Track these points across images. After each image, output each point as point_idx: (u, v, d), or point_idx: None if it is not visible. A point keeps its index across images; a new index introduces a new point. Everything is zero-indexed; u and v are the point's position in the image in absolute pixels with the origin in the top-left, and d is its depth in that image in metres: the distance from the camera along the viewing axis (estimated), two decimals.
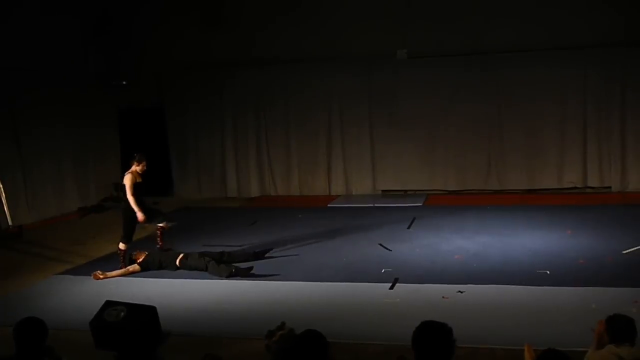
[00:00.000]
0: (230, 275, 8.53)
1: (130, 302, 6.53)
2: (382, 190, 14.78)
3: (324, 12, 14.32)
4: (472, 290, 7.64)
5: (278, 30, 14.52)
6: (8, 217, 12.40)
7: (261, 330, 5.80)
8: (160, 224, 9.78)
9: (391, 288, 7.90)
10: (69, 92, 13.81)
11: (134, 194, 9.04)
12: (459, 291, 7.60)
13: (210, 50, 14.86)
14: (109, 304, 6.40)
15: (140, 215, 9.06)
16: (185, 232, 11.57)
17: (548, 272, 8.21)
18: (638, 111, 13.38)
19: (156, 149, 15.69)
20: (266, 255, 9.51)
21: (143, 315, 6.27)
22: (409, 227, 11.29)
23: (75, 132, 14.21)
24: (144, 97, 15.58)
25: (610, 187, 13.73)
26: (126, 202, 9.12)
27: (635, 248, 9.04)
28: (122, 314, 6.19)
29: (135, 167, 9.25)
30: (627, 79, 13.36)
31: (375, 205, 13.50)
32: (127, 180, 9.07)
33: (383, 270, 8.63)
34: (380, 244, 10.01)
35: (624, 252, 8.94)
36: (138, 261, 9.08)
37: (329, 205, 13.87)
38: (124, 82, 15.16)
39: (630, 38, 12.96)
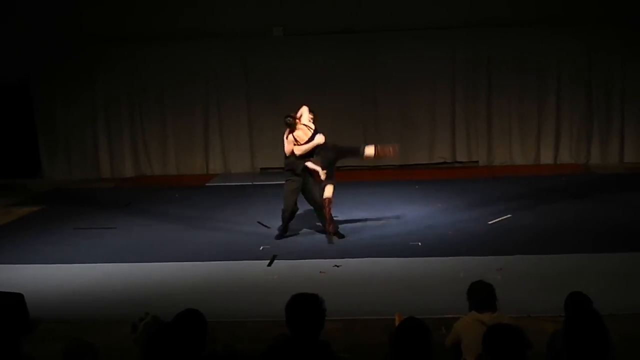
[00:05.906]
0: None
1: None
2: (261, 168, 14.75)
3: None
4: (348, 264, 7.86)
5: (150, 5, 14.02)
6: None
7: (139, 313, 5.67)
8: None
9: (269, 265, 7.98)
10: None
11: None
12: (336, 265, 7.80)
13: (79, 24, 14.12)
14: None
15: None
16: (56, 214, 11.10)
17: (420, 243, 8.57)
18: (503, 90, 13.93)
19: (21, 128, 14.89)
20: None
21: (7, 302, 5.99)
22: None
23: None
24: (6, 74, 14.64)
25: (477, 162, 14.40)
26: None
27: (500, 218, 9.58)
28: None
29: None
30: (492, 59, 13.87)
31: (254, 183, 13.48)
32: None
33: (261, 248, 8.69)
34: (259, 222, 10.05)
35: (490, 222, 9.45)
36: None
37: (206, 185, 13.70)
38: None
39: (495, 19, 13.47)
